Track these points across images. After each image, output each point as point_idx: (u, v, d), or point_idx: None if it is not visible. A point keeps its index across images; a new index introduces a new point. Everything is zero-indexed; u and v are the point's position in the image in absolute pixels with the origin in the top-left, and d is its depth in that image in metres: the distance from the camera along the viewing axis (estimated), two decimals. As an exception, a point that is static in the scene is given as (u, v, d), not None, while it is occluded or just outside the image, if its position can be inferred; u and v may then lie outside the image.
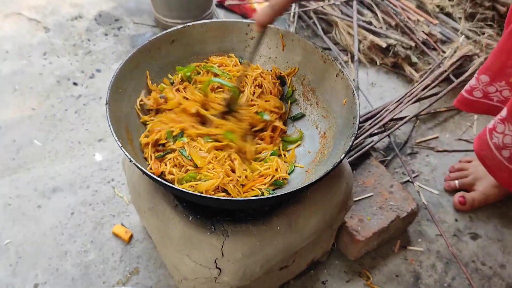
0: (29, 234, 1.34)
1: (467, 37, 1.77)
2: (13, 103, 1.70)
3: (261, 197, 0.83)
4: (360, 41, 1.78)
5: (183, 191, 0.82)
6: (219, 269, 0.93)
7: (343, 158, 0.86)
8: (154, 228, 0.99)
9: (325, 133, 1.02)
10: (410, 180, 1.44)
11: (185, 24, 1.08)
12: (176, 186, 0.83)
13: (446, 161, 1.54)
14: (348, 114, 0.96)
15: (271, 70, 1.12)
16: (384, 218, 1.26)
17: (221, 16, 2.08)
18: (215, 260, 0.92)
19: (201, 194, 0.82)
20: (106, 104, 0.91)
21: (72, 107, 1.70)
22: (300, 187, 0.83)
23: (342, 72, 0.99)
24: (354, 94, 0.95)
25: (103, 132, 1.62)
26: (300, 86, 1.10)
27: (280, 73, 1.11)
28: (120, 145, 0.85)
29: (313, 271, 1.27)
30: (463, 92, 1.30)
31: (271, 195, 0.84)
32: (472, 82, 1.26)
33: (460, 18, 1.85)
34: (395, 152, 1.52)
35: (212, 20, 1.09)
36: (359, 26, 1.81)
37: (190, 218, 0.94)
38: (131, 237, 1.33)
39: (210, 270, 0.93)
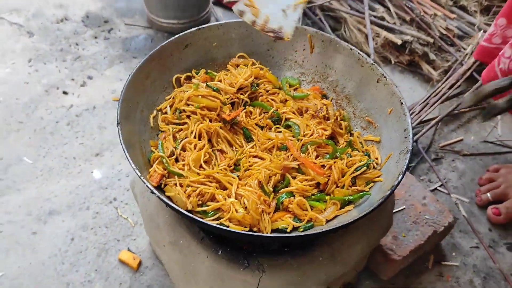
0: (25, 265, 1.19)
1: (485, 32, 1.67)
2: (-2, 117, 1.54)
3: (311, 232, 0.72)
4: (372, 39, 1.66)
5: (216, 227, 0.70)
6: (255, 309, 0.81)
7: (401, 179, 0.74)
8: (176, 264, 0.86)
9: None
10: (444, 188, 1.34)
11: (200, 26, 0.95)
12: (211, 222, 0.70)
13: (474, 166, 1.44)
14: (396, 125, 0.84)
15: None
16: (420, 233, 1.15)
17: (219, 15, 1.95)
18: (251, 300, 0.80)
19: (243, 232, 0.69)
20: (117, 124, 0.78)
21: (63, 118, 1.55)
22: (349, 222, 0.72)
23: (385, 77, 0.88)
24: (402, 103, 0.84)
25: (100, 145, 1.48)
26: (332, 93, 0.98)
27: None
28: (140, 174, 0.72)
29: (344, 294, 1.16)
30: (482, 42, 1.29)
31: (321, 230, 0.72)
32: (491, 29, 1.25)
33: (475, 11, 1.75)
34: (420, 157, 1.41)
35: (232, 20, 0.96)
36: (370, 22, 1.69)
37: (220, 253, 0.81)
38: (139, 263, 1.20)
39: (245, 311, 0.81)
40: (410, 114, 1.38)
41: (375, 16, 1.72)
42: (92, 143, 1.49)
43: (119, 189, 1.36)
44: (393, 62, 1.69)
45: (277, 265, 0.81)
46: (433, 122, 1.38)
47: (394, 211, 1.18)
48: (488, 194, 1.33)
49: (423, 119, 1.39)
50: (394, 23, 1.69)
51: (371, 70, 0.91)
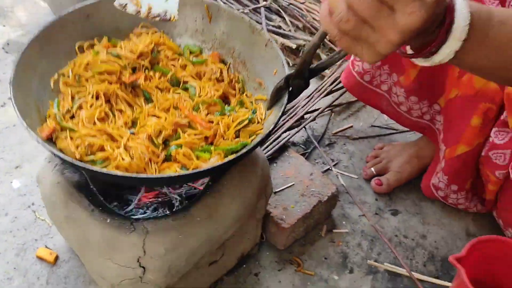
0: None
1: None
2: None
3: (186, 172, 0.85)
4: (271, 45, 1.86)
5: (101, 172, 0.81)
6: (143, 267, 0.93)
7: (272, 129, 0.88)
8: (73, 237, 0.97)
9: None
10: (330, 168, 1.51)
11: None
12: (97, 168, 0.81)
13: (362, 147, 1.63)
14: (279, 84, 0.97)
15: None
16: (307, 204, 1.30)
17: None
18: (138, 259, 0.92)
19: (124, 174, 0.81)
20: (9, 83, 0.87)
21: (-16, 138, 1.63)
22: (219, 164, 0.85)
23: (271, 41, 1.01)
24: (283, 65, 0.97)
25: (20, 158, 1.56)
26: (230, 58, 1.10)
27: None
28: (26, 125, 0.81)
29: (245, 265, 1.29)
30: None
31: (190, 172, 0.85)
32: None
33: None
34: (314, 144, 1.59)
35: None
36: (268, 30, 1.88)
37: (108, 221, 0.93)
38: (56, 258, 1.29)
39: (134, 270, 0.92)
40: (296, 108, 1.57)
41: (273, 26, 1.92)
42: (13, 157, 1.57)
43: (37, 195, 1.44)
44: (291, 64, 1.88)
45: (160, 227, 0.94)
46: (319, 110, 1.57)
47: (284, 187, 1.34)
48: (372, 169, 1.52)
49: (309, 110, 1.58)
50: (290, 30, 1.90)
51: (260, 36, 1.03)
